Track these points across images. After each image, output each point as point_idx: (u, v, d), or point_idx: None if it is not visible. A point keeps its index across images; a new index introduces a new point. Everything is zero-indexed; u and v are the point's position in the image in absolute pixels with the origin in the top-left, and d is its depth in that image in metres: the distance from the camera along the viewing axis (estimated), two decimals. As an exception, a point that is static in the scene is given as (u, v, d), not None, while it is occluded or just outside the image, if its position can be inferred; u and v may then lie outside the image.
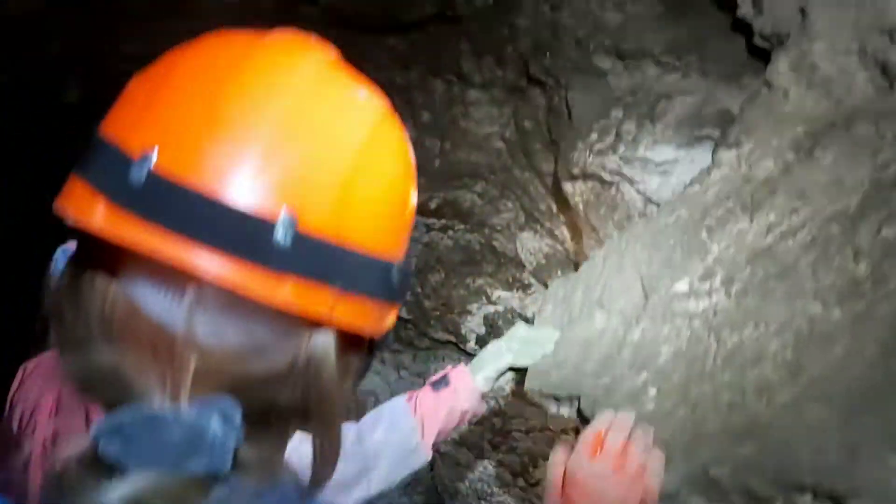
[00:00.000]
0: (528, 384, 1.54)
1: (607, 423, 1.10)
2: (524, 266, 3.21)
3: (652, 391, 1.29)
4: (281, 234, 0.55)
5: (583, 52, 2.08)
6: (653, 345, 1.36)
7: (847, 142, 1.32)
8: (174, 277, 0.55)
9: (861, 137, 1.29)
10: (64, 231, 0.63)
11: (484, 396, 1.61)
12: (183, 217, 0.54)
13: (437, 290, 3.55)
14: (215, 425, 0.54)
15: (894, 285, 1.04)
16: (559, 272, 3.03)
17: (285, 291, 0.56)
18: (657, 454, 1.06)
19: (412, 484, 4.36)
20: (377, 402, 4.70)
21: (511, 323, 3.53)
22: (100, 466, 0.52)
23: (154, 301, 0.58)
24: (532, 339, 1.59)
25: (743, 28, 1.70)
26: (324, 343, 0.60)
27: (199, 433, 0.54)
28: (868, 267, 1.09)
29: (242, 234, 0.55)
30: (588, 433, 1.09)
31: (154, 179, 0.55)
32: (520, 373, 1.61)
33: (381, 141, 0.65)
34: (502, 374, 1.60)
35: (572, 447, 1.10)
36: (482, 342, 3.67)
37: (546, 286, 3.22)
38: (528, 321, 3.37)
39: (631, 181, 2.01)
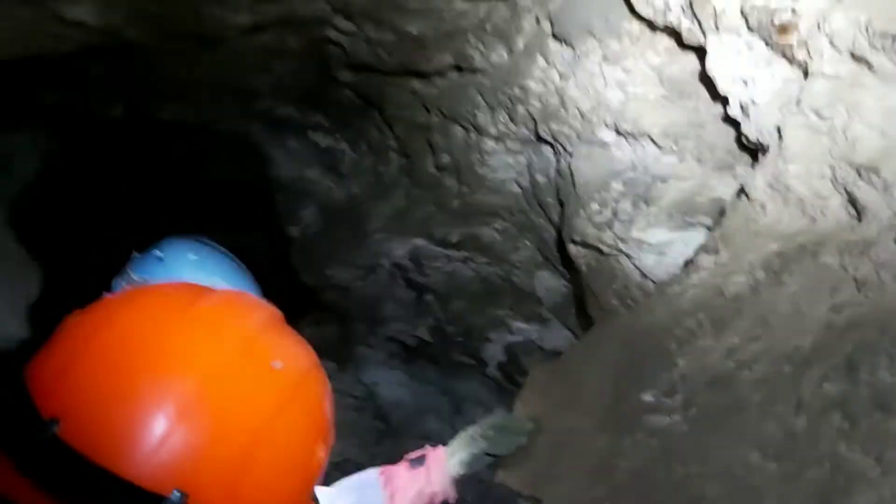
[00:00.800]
0: (499, 476, 1.60)
1: None
2: (542, 302, 3.24)
3: (607, 508, 1.33)
4: None
5: (586, 123, 2.11)
6: (614, 457, 1.40)
7: (812, 271, 1.33)
8: None
9: (825, 269, 1.31)
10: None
11: (457, 482, 1.66)
12: (73, 489, 0.61)
13: (458, 317, 3.61)
14: None
15: (825, 449, 1.07)
16: (578, 314, 3.06)
17: None
18: None
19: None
20: (402, 413, 4.78)
21: (531, 354, 3.59)
22: None
23: None
24: (508, 429, 1.64)
25: (735, 124, 1.71)
26: None
27: None
28: (805, 422, 1.12)
29: None
30: None
31: (57, 445, 0.61)
32: (495, 458, 1.66)
33: (288, 412, 0.69)
34: (477, 459, 1.66)
35: None
36: (503, 370, 3.73)
37: (563, 324, 3.26)
38: (549, 353, 3.42)
39: (628, 256, 2.03)
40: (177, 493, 0.61)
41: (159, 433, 0.62)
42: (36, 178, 3.28)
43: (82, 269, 2.38)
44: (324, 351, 3.91)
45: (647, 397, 1.44)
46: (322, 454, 0.73)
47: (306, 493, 0.72)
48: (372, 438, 4.72)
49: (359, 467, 1.78)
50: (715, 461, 1.20)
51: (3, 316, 2.26)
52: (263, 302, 0.77)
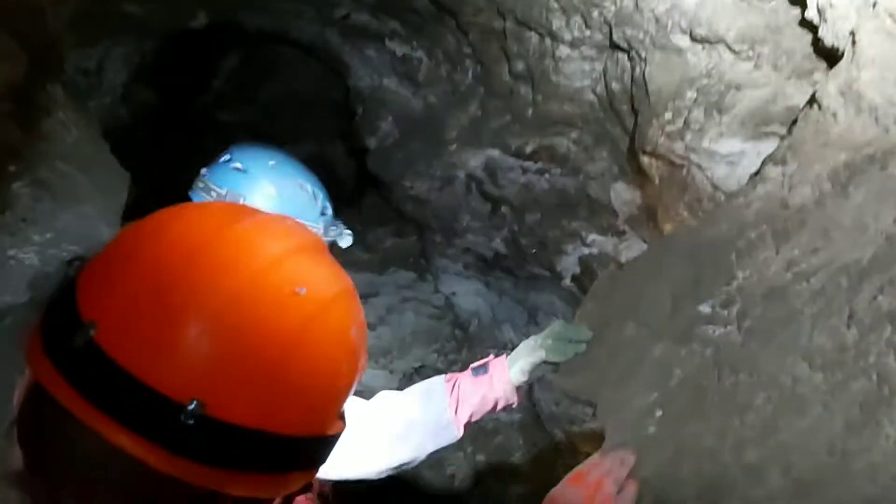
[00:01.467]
0: (556, 382, 1.64)
1: (592, 463, 1.21)
2: (618, 214, 3.22)
3: (658, 413, 1.36)
4: (187, 418, 0.65)
5: (661, 27, 2.04)
6: (669, 365, 1.42)
7: (879, 183, 1.29)
8: None
9: (892, 180, 1.26)
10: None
11: (519, 388, 1.72)
12: (102, 391, 0.65)
13: (533, 229, 3.62)
14: None
15: (873, 360, 1.06)
16: (651, 225, 3.03)
17: (179, 468, 0.66)
18: (629, 491, 1.15)
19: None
20: (479, 323, 4.89)
21: (606, 267, 3.59)
22: None
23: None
24: (567, 338, 1.67)
25: (812, 28, 1.63)
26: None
27: None
28: (856, 335, 1.11)
29: (151, 415, 0.65)
30: (575, 470, 1.21)
31: (91, 348, 0.66)
32: (555, 366, 1.70)
33: (314, 335, 0.72)
34: (537, 367, 1.70)
35: None
36: (578, 282, 3.74)
37: (640, 237, 3.23)
38: (621, 266, 3.41)
39: (699, 167, 2.00)
40: (195, 402, 0.65)
41: (187, 345, 0.66)
42: (125, 88, 3.40)
43: (170, 178, 2.49)
44: (404, 261, 4.04)
45: (705, 308, 1.44)
46: (346, 379, 0.76)
47: (327, 414, 0.76)
48: (451, 346, 4.86)
49: (437, 373, 1.86)
50: (763, 371, 1.20)
51: (95, 223, 2.40)
52: (303, 227, 0.80)
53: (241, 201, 1.78)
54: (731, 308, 1.38)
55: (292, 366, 0.70)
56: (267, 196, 1.83)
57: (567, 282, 3.77)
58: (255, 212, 0.80)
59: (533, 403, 4.50)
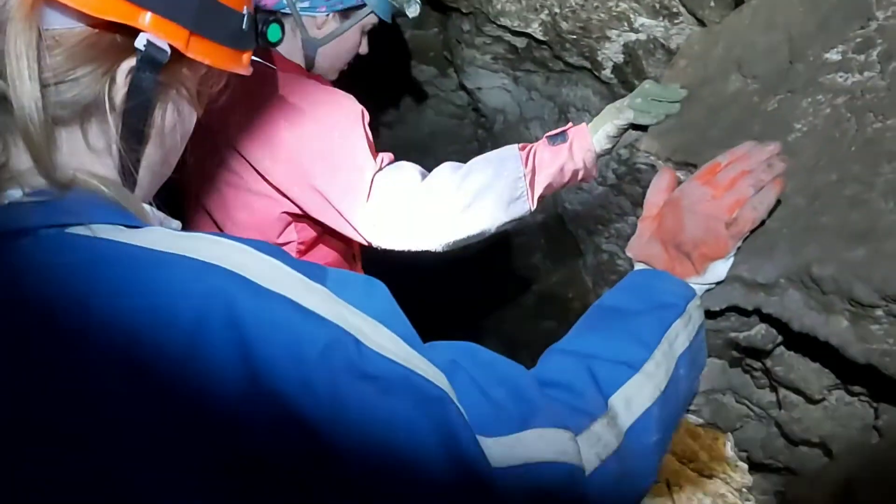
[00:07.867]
0: (646, 144, 1.49)
1: (731, 156, 1.07)
2: (673, -8, 2.96)
3: (776, 168, 1.22)
4: None
5: None
6: (788, 118, 1.27)
7: None
8: None
9: None
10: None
11: (600, 156, 1.57)
12: None
13: (575, 11, 3.36)
14: None
15: None
16: (712, 3, 2.78)
17: None
18: (769, 193, 1.03)
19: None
20: (505, 121, 4.71)
21: (652, 54, 3.37)
22: None
23: None
24: (658, 97, 1.51)
25: None
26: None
27: None
28: None
29: None
30: (708, 164, 1.08)
31: None
32: (642, 132, 1.55)
33: None
34: (623, 131, 1.55)
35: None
36: (619, 72, 3.53)
37: (696, 18, 2.99)
38: (674, 54, 3.19)
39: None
40: None
41: None
42: None
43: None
44: (426, 55, 3.77)
45: (833, 55, 1.27)
46: None
47: None
48: (473, 148, 4.69)
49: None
50: (922, 112, 1.05)
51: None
52: None
53: None
54: (870, 52, 1.21)
55: None
56: None
57: (608, 73, 3.55)
58: None
59: (556, 207, 4.41)
